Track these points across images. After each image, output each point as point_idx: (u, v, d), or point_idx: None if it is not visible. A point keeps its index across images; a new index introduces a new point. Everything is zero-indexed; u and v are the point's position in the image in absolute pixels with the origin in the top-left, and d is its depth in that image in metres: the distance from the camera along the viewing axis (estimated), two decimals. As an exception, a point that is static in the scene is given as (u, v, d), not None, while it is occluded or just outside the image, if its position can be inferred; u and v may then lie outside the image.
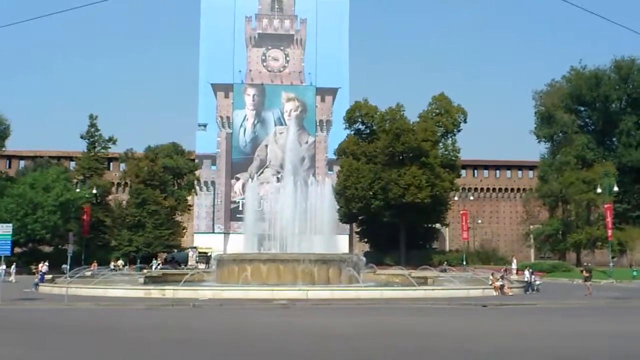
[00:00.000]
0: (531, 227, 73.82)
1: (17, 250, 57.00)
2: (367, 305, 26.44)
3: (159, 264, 58.69)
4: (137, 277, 39.40)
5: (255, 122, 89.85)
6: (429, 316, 22.58)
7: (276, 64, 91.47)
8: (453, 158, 69.31)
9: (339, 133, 76.64)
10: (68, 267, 40.80)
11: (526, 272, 37.26)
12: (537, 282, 36.03)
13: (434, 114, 69.16)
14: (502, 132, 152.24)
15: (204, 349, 14.75)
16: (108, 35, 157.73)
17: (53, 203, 57.42)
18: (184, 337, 16.77)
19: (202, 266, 58.96)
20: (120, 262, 57.91)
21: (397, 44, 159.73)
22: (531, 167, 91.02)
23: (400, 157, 65.39)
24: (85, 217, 61.88)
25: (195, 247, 72.08)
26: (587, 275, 34.10)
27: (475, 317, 22.80)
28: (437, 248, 78.97)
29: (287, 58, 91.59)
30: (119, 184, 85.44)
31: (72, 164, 77.55)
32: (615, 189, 56.60)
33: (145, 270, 48.91)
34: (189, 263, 65.59)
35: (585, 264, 49.66)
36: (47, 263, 42.93)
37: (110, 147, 70.94)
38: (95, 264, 54.78)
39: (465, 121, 69.46)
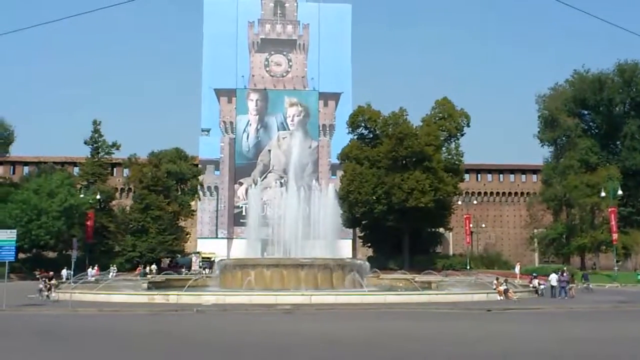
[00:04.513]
0: (535, 231, 73.52)
1: (21, 256, 57.11)
2: (371, 309, 26.36)
3: (116, 270, 53.25)
4: (140, 282, 39.38)
5: (258, 127, 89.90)
6: (434, 321, 22.50)
7: (279, 69, 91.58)
8: (456, 162, 69.19)
9: (342, 138, 76.54)
10: (71, 272, 40.34)
11: (553, 276, 35.78)
12: (542, 287, 35.83)
13: (437, 118, 69.08)
14: (505, 136, 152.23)
15: (210, 356, 14.68)
16: (111, 41, 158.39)
17: (57, 209, 57.56)
18: (188, 343, 16.72)
19: (205, 271, 58.89)
20: (154, 266, 58.36)
21: (399, 48, 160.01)
22: (535, 171, 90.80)
23: (404, 162, 65.31)
24: (89, 222, 61.92)
25: (198, 252, 72.00)
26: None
27: (480, 321, 22.70)
28: (440, 252, 78.67)
29: (290, 63, 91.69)
30: (122, 190, 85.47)
31: (76, 170, 77.67)
32: (620, 192, 56.49)
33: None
34: (192, 268, 65.52)
35: (564, 268, 49.58)
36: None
37: (113, 153, 71.07)
38: (140, 268, 55.08)
39: (468, 125, 69.36)
